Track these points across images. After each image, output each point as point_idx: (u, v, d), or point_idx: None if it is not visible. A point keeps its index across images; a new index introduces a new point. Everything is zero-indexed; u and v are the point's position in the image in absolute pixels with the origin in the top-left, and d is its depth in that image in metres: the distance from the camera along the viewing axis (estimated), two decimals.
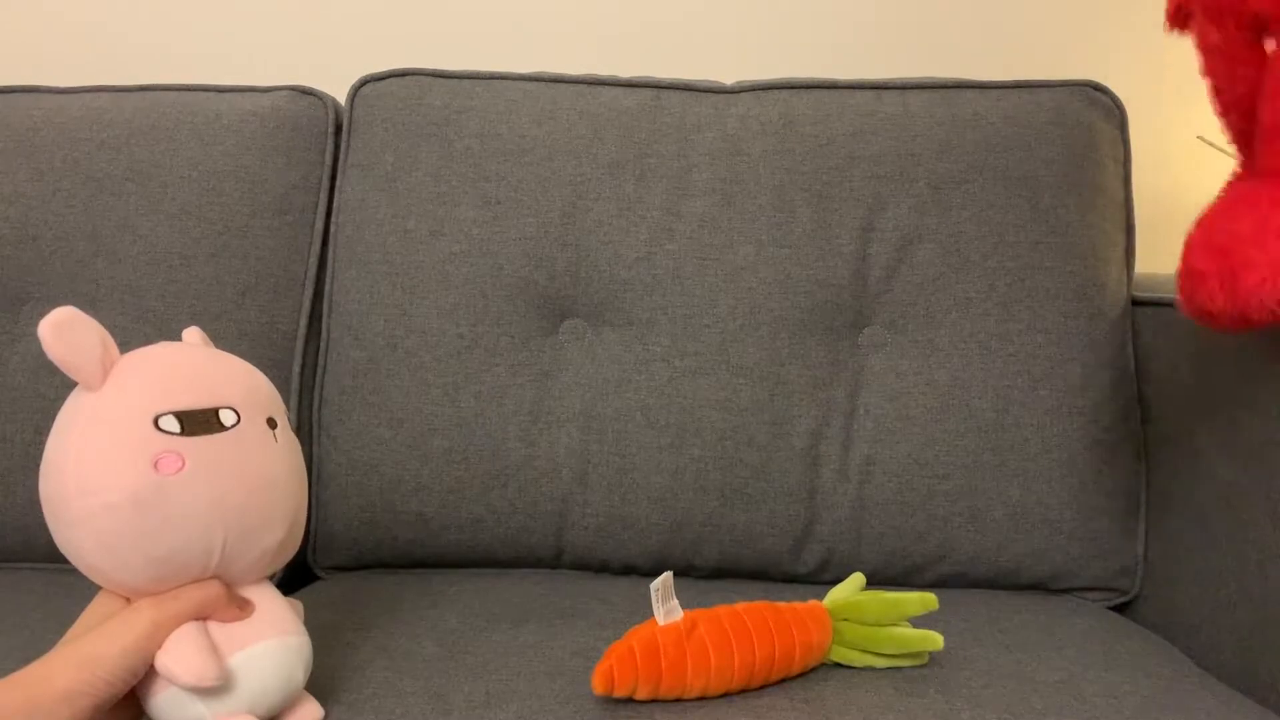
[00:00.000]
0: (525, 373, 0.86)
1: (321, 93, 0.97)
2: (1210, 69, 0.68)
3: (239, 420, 0.51)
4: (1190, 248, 0.64)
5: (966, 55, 1.13)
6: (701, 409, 0.84)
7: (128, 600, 0.50)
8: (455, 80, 0.93)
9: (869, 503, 0.84)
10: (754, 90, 0.92)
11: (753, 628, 0.60)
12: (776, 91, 0.91)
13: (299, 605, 0.58)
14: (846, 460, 0.84)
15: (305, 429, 0.90)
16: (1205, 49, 0.68)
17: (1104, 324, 0.86)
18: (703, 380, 0.85)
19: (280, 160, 0.93)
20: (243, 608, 0.53)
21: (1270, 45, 0.65)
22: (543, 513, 0.85)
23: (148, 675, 0.49)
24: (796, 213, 0.87)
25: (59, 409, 0.51)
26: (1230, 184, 0.68)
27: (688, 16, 1.15)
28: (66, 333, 0.48)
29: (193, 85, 0.97)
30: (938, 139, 0.88)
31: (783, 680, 0.62)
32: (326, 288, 0.91)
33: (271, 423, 0.54)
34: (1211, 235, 0.61)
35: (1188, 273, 0.63)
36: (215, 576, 0.51)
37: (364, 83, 0.95)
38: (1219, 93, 0.68)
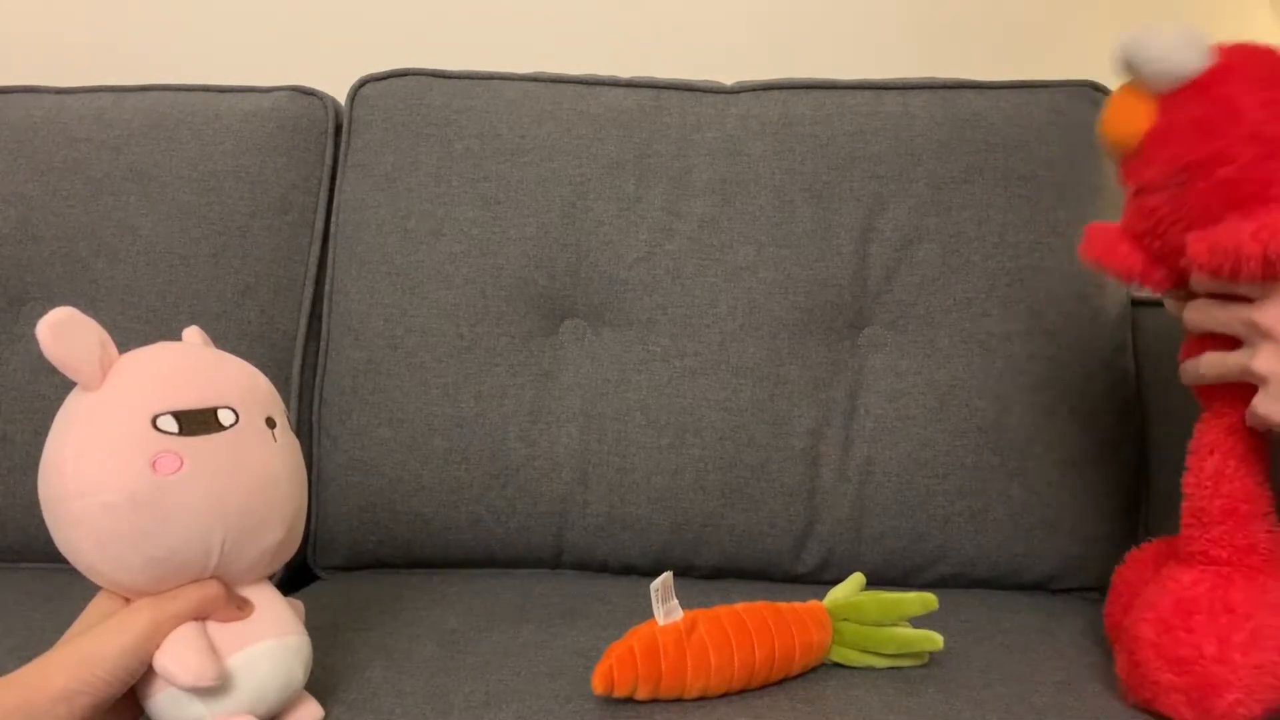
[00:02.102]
0: (525, 373, 0.86)
1: (321, 93, 0.97)
2: None
3: (237, 420, 0.51)
4: (1143, 648, 0.59)
5: (966, 55, 1.13)
6: (701, 409, 0.84)
7: (127, 600, 0.50)
8: (455, 80, 0.93)
9: (869, 503, 0.84)
10: (754, 90, 0.92)
11: (753, 628, 0.60)
12: (776, 91, 0.91)
13: (299, 605, 0.58)
14: (846, 460, 0.84)
15: (305, 429, 0.90)
16: None
17: (1104, 324, 0.86)
18: (703, 380, 0.85)
19: (280, 160, 0.93)
20: (242, 608, 0.53)
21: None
22: (543, 513, 0.85)
23: (147, 675, 0.49)
24: (796, 213, 0.87)
25: (59, 409, 0.51)
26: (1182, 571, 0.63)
27: (688, 16, 1.15)
28: (64, 333, 0.48)
29: (193, 85, 0.97)
30: (938, 139, 0.88)
31: (783, 680, 0.62)
32: (326, 288, 0.91)
33: (270, 422, 0.54)
34: (1173, 645, 0.58)
35: (1146, 682, 0.59)
36: (214, 576, 0.51)
37: (364, 83, 0.95)
38: None
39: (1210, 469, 0.60)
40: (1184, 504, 0.62)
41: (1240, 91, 0.54)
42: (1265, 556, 0.59)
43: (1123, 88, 0.58)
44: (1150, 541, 0.72)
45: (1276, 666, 0.55)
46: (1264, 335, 0.54)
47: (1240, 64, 0.55)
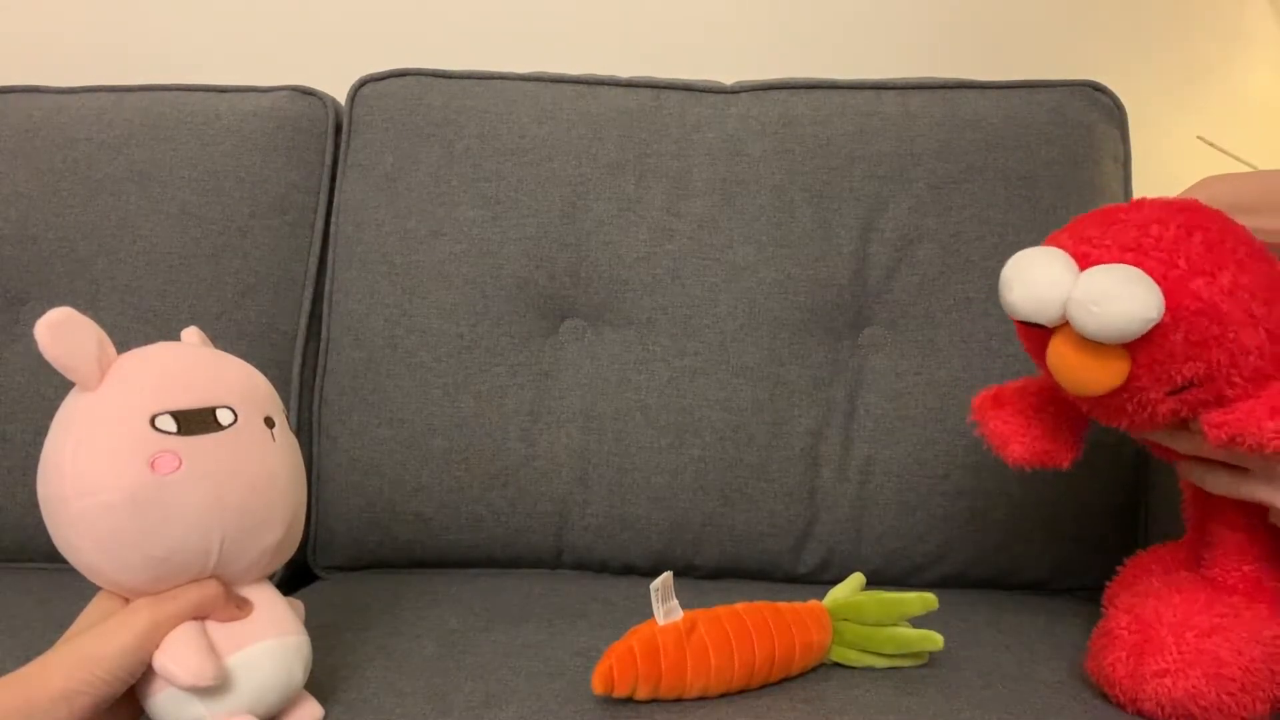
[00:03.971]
0: (525, 373, 0.86)
1: (321, 93, 0.97)
2: None
3: (236, 419, 0.51)
4: (1119, 605, 0.62)
5: (966, 55, 1.13)
6: (701, 409, 0.84)
7: (127, 600, 0.50)
8: (455, 80, 0.93)
9: (869, 503, 0.84)
10: (754, 90, 0.92)
11: (753, 628, 0.60)
12: (776, 91, 0.91)
13: (299, 605, 0.58)
14: (846, 460, 0.84)
15: (305, 429, 0.90)
16: None
17: None
18: (703, 380, 0.85)
19: (280, 160, 0.93)
20: (241, 607, 0.52)
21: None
22: (543, 513, 0.85)
23: (146, 675, 0.49)
24: (796, 213, 0.87)
25: (58, 409, 0.51)
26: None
27: (688, 16, 1.15)
28: (63, 333, 0.48)
29: (193, 85, 0.97)
30: (938, 139, 0.88)
31: (783, 680, 0.62)
32: (326, 288, 0.91)
33: (269, 422, 0.54)
34: (1140, 606, 0.59)
35: (1104, 630, 0.61)
36: (214, 576, 0.51)
37: (364, 83, 0.95)
38: None
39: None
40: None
41: (1204, 290, 0.51)
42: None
43: (1074, 347, 0.53)
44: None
45: (1219, 662, 0.55)
46: None
47: (1181, 267, 0.52)
